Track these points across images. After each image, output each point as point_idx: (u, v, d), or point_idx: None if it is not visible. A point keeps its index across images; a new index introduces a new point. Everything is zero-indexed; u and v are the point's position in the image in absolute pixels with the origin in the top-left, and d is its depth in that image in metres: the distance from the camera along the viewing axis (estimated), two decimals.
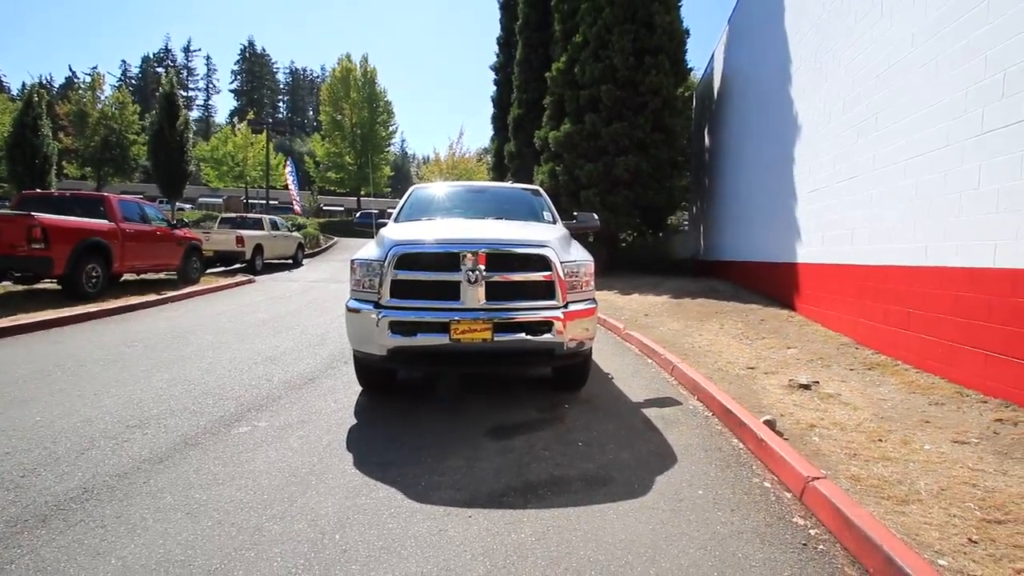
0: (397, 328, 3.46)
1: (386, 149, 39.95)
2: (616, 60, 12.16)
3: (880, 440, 3.11)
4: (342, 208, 48.60)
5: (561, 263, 3.59)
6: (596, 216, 5.32)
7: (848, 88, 5.94)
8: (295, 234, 17.83)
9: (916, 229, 4.58)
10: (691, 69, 13.70)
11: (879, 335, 5.08)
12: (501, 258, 3.50)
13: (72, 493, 2.49)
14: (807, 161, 7.07)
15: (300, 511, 2.37)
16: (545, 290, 3.59)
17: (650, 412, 3.83)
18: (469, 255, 3.44)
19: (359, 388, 4.25)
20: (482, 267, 3.44)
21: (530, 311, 3.53)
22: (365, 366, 3.94)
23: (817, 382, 4.24)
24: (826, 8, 6.69)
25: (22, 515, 2.28)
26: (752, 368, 4.88)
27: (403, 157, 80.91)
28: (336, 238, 24.63)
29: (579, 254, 3.89)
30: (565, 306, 3.60)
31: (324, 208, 47.31)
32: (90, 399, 3.85)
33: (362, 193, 40.35)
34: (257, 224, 15.45)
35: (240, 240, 13.68)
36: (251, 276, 12.84)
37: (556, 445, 3.19)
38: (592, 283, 3.87)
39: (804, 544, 2.15)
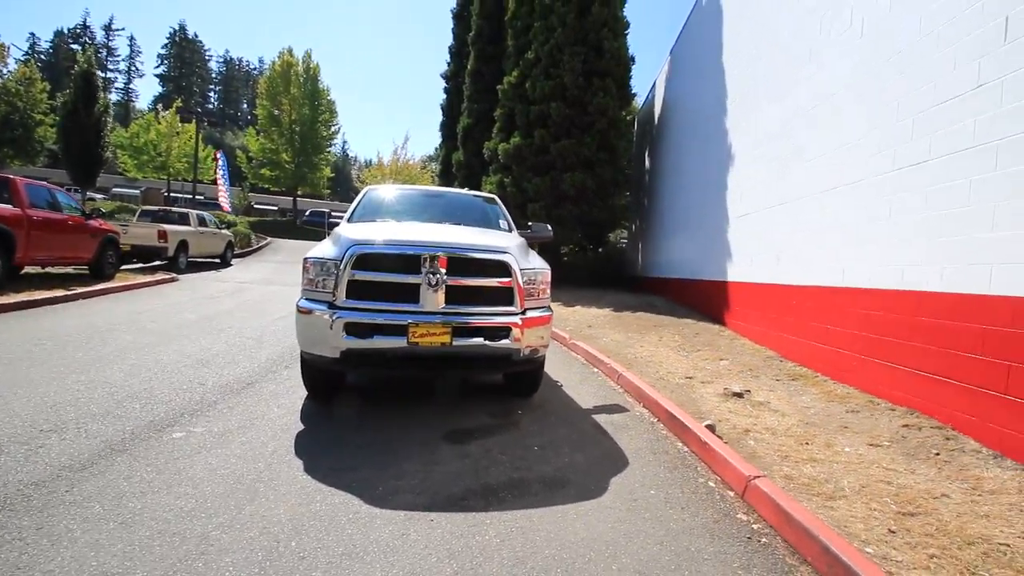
0: (352, 330, 3.36)
1: (327, 149, 38.66)
2: (566, 79, 12.56)
3: (807, 443, 3.39)
4: (276, 208, 46.38)
5: (520, 270, 3.65)
6: (549, 227, 5.45)
7: (777, 123, 6.49)
8: (224, 231, 16.81)
9: (835, 253, 5.06)
10: (634, 95, 14.38)
11: (800, 349, 5.54)
12: (462, 262, 3.51)
13: None
14: (739, 187, 7.63)
15: (250, 518, 2.24)
16: (504, 296, 3.63)
17: (600, 418, 3.95)
18: (430, 258, 3.43)
19: (304, 393, 4.08)
20: (443, 271, 3.44)
21: (489, 316, 3.56)
22: (314, 369, 3.79)
23: (749, 391, 4.56)
24: (757, 48, 7.30)
25: None
26: (690, 378, 5.15)
27: (344, 159, 78.58)
28: (269, 238, 23.41)
29: (537, 262, 3.98)
30: (523, 313, 3.66)
31: (255, 206, 44.97)
32: None
33: (299, 193, 38.76)
34: (183, 219, 14.43)
35: (163, 235, 12.72)
36: (174, 274, 11.94)
37: (512, 449, 3.22)
38: (548, 291, 3.95)
39: (749, 538, 2.31)
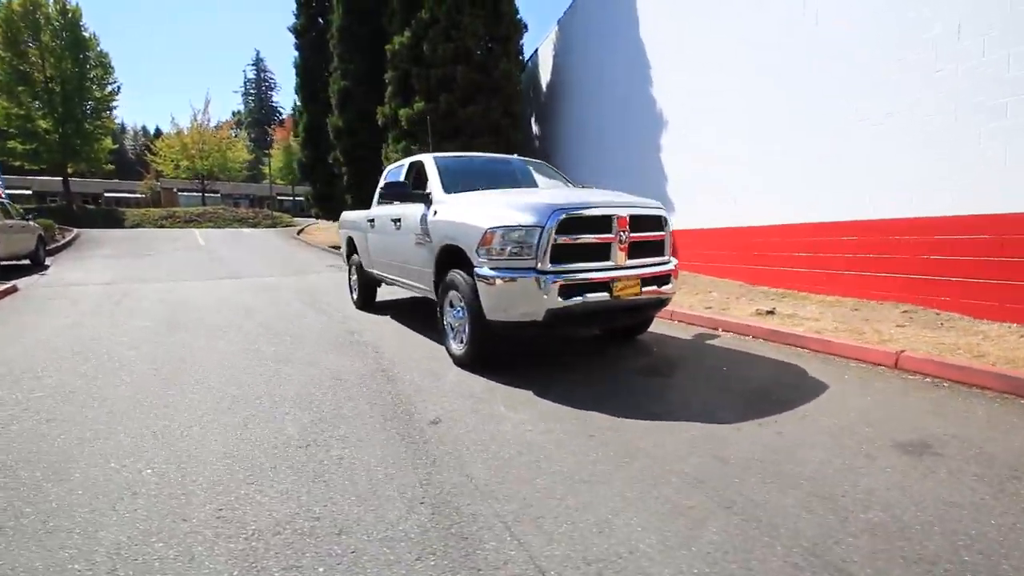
0: (566, 291, 3.55)
1: (104, 115, 31.04)
2: (469, 43, 12.54)
3: (863, 333, 4.69)
4: (29, 191, 35.94)
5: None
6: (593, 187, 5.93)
7: (722, 88, 7.85)
8: (33, 224, 12.93)
9: (802, 196, 6.59)
10: (523, 60, 14.95)
11: (769, 276, 7.10)
12: (637, 219, 3.91)
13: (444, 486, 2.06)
14: (684, 147, 8.92)
15: (634, 448, 2.51)
16: (659, 248, 4.14)
17: (716, 343, 4.78)
18: (619, 218, 3.75)
19: (454, 369, 4.03)
20: (627, 228, 3.79)
21: (657, 266, 4.04)
22: (496, 337, 3.82)
23: (775, 308, 5.83)
24: (686, 20, 8.56)
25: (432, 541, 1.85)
26: (709, 307, 6.26)
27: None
28: (75, 229, 18.38)
29: None
30: (669, 261, 4.22)
31: None
32: (168, 440, 2.78)
33: (69, 171, 30.69)
34: None
35: None
36: (13, 283, 9.07)
37: (705, 375, 3.84)
38: None
39: (930, 384, 3.40)
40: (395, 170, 6.08)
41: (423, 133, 13.11)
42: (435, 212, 4.41)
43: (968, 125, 4.79)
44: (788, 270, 6.76)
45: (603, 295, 3.68)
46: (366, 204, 6.46)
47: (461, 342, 4.12)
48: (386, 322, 6.07)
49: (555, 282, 3.51)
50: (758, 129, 7.20)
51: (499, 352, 4.00)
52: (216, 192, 43.19)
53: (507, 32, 13.01)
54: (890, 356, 3.83)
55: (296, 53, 18.33)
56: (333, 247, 20.01)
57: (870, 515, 1.94)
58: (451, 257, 4.22)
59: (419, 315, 6.39)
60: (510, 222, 3.61)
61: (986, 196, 4.66)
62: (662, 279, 4.05)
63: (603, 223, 3.72)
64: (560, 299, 3.54)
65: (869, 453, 2.45)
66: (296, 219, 33.70)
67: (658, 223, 4.10)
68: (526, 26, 13.76)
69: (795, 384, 3.54)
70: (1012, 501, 2.01)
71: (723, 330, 5.25)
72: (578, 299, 3.60)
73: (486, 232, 3.65)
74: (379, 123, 14.15)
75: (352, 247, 7.32)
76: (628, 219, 3.81)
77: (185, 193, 43.17)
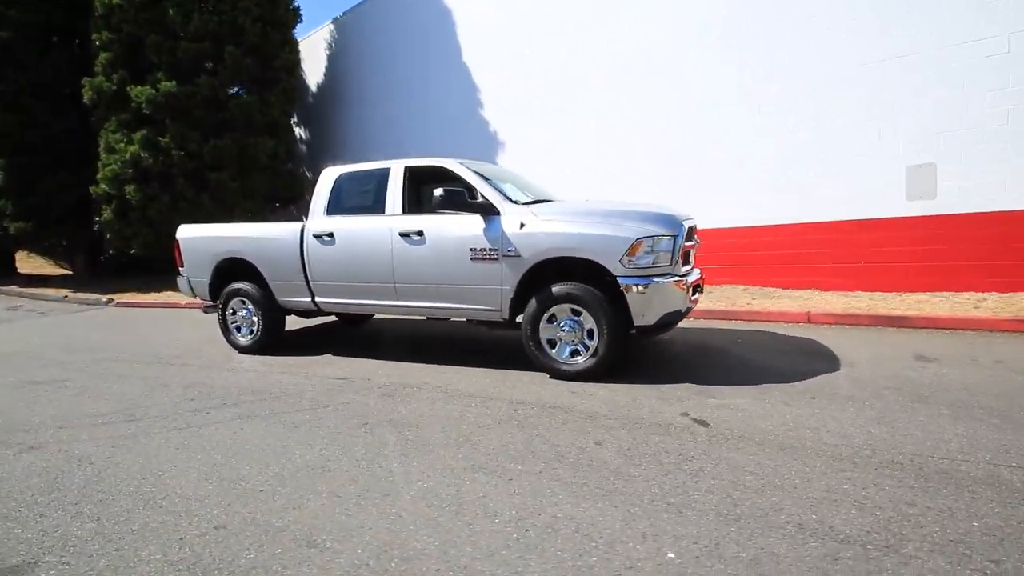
0: (694, 291, 4.10)
1: None
2: (242, 20, 10.35)
3: (741, 304, 6.76)
4: None
5: None
6: None
7: (588, 114, 9.25)
8: None
9: None
10: None
11: None
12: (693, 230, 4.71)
13: None
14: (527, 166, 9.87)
15: (866, 397, 3.46)
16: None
17: (682, 324, 5.97)
18: (695, 228, 4.48)
19: (586, 384, 3.98)
20: (695, 236, 4.57)
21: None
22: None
23: None
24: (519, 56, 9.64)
25: None
26: None
27: None
28: None
29: None
30: None
31: None
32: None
33: None
34: None
35: None
36: None
37: (742, 347, 4.97)
38: None
39: (844, 327, 5.45)
40: (354, 175, 5.01)
41: (177, 123, 10.14)
42: (521, 224, 4.08)
43: (754, 177, 7.50)
44: None
45: (699, 293, 4.36)
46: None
47: (579, 355, 4.04)
48: (352, 361, 4.94)
49: (691, 283, 4.01)
50: (601, 161, 8.89)
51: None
52: None
53: (284, 18, 11.31)
54: (803, 315, 5.84)
55: None
56: None
57: (987, 396, 3.38)
58: (544, 271, 4.08)
59: (367, 342, 5.42)
60: (654, 232, 3.86)
61: (768, 214, 7.43)
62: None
63: (692, 232, 4.39)
64: (690, 297, 4.05)
65: (922, 367, 4.02)
66: None
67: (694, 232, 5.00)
68: (301, 16, 12.18)
69: (798, 342, 5.04)
70: (994, 372, 3.84)
71: None
72: (694, 297, 4.18)
73: (635, 242, 3.78)
74: (87, 101, 10.04)
75: (233, 275, 5.43)
76: (695, 229, 4.60)
77: None
